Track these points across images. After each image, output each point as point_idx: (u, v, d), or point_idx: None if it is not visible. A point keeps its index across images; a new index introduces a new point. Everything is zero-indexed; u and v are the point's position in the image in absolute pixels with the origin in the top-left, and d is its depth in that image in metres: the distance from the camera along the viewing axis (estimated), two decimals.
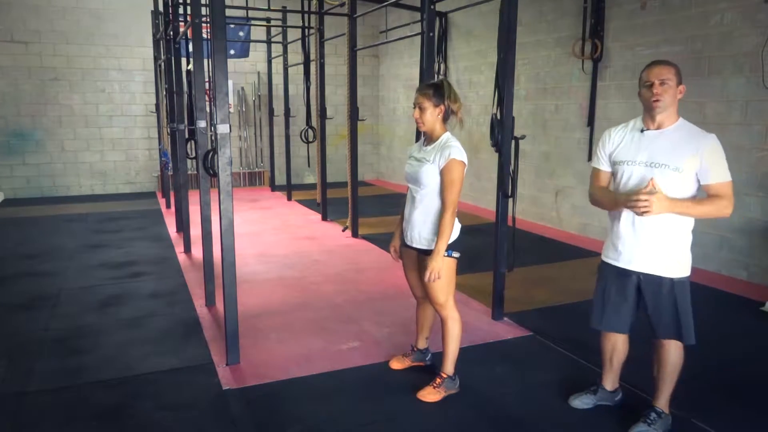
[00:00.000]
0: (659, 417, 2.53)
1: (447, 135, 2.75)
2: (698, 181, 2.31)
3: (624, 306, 2.50)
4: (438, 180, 2.69)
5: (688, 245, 2.40)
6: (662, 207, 2.23)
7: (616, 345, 2.66)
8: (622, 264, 2.46)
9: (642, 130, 2.40)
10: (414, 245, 2.83)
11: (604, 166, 2.53)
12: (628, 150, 2.42)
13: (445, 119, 2.76)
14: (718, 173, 2.26)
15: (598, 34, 5.93)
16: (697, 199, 2.32)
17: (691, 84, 5.03)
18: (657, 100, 2.29)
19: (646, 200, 2.22)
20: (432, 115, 2.71)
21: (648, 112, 2.37)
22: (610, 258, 2.51)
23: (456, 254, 2.76)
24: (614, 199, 2.43)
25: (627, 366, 2.74)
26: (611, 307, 2.53)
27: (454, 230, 2.72)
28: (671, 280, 2.36)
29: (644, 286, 2.42)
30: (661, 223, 2.33)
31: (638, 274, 2.42)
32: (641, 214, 2.26)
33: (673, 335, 2.42)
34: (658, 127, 2.36)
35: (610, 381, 2.75)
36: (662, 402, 2.55)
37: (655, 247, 2.36)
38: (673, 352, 2.46)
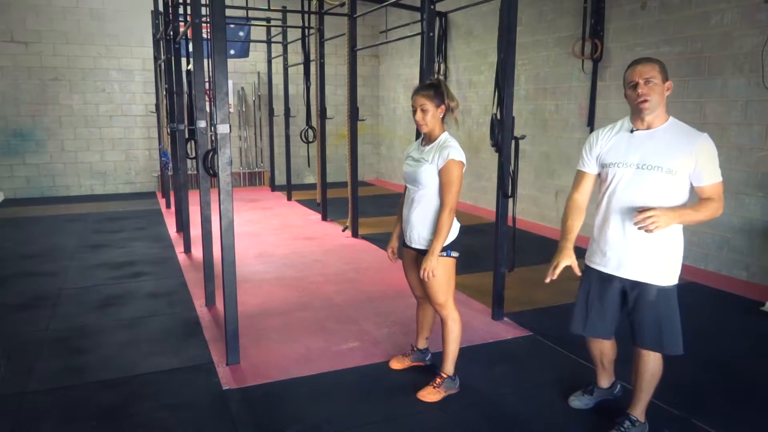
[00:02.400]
0: (633, 425, 2.46)
1: (445, 135, 2.75)
2: (690, 183, 2.23)
3: (608, 312, 2.43)
4: (437, 180, 2.69)
5: (678, 252, 2.31)
6: (669, 220, 2.12)
7: (603, 350, 2.63)
8: (608, 270, 2.38)
9: (632, 131, 2.31)
10: (413, 245, 2.83)
11: (590, 168, 2.44)
12: (618, 151, 2.32)
13: (442, 118, 2.76)
14: (712, 174, 2.19)
15: (598, 34, 5.93)
16: (694, 204, 2.23)
17: (691, 84, 5.06)
18: (644, 101, 2.20)
19: (651, 216, 2.09)
20: (434, 116, 2.71)
21: (636, 114, 2.29)
22: (595, 263, 2.44)
23: (455, 254, 2.76)
24: (563, 236, 2.42)
25: (624, 366, 2.73)
26: (595, 313, 2.46)
27: (453, 230, 2.72)
28: (656, 287, 2.28)
29: (628, 292, 2.35)
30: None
31: (623, 280, 2.35)
32: (651, 231, 2.13)
33: (654, 345, 2.34)
34: (648, 127, 2.27)
35: (606, 379, 2.75)
36: (638, 411, 2.48)
37: (645, 254, 2.28)
38: (651, 363, 2.38)
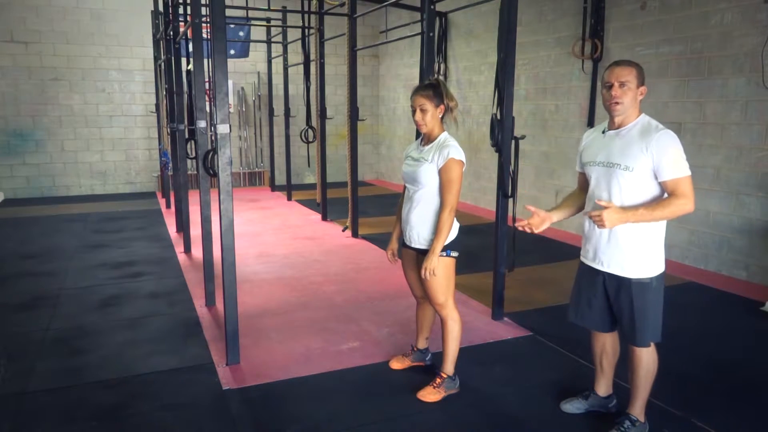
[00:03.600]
0: (633, 425, 2.47)
1: (445, 134, 2.75)
2: (656, 179, 2.24)
3: (595, 303, 2.48)
4: (437, 179, 2.69)
5: (652, 246, 2.32)
6: (614, 220, 2.18)
7: (605, 346, 2.62)
8: (588, 261, 2.48)
9: (603, 131, 2.42)
10: (413, 245, 2.83)
11: (578, 168, 2.58)
12: (591, 150, 2.45)
13: (441, 118, 2.76)
14: (673, 169, 2.19)
15: (598, 34, 5.94)
16: (654, 203, 2.24)
17: (691, 84, 5.06)
18: (615, 103, 2.27)
19: (598, 215, 2.18)
20: (434, 116, 2.71)
21: (609, 114, 2.37)
22: (582, 255, 2.54)
23: (455, 254, 2.76)
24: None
25: (624, 366, 2.73)
26: (584, 302, 2.53)
27: (452, 230, 2.72)
28: (629, 280, 2.33)
29: (607, 284, 2.41)
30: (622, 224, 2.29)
31: (602, 272, 2.41)
32: (600, 227, 2.26)
33: (629, 338, 2.39)
34: (618, 127, 2.34)
35: (603, 386, 2.71)
36: (637, 409, 2.49)
37: (614, 246, 2.34)
38: (643, 358, 2.40)
